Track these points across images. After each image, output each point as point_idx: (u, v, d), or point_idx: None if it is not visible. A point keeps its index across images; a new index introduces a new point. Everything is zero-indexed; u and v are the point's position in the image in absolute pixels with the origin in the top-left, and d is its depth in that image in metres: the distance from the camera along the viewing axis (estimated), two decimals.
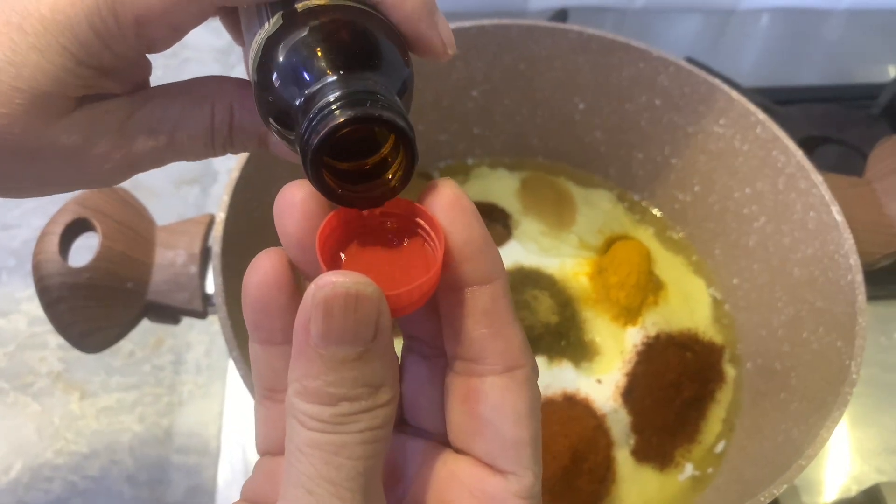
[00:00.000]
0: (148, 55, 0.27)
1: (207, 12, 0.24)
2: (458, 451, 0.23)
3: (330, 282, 0.19)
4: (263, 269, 0.22)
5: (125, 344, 0.68)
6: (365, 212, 0.22)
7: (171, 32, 0.24)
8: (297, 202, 0.21)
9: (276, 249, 0.22)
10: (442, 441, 0.24)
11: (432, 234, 0.21)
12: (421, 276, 0.21)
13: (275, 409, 0.24)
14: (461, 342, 0.22)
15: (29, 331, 0.68)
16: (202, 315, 0.43)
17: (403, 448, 0.24)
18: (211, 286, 0.44)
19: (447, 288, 0.22)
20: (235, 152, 0.28)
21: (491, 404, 0.22)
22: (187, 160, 0.28)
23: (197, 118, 0.27)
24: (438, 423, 0.24)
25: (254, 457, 0.60)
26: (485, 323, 0.22)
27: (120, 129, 0.26)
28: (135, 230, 0.44)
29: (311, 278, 0.20)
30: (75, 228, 0.43)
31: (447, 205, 0.22)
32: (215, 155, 0.28)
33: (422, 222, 0.22)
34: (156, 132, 0.26)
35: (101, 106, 0.25)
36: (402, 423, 0.25)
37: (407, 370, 0.25)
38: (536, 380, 0.22)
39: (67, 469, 0.61)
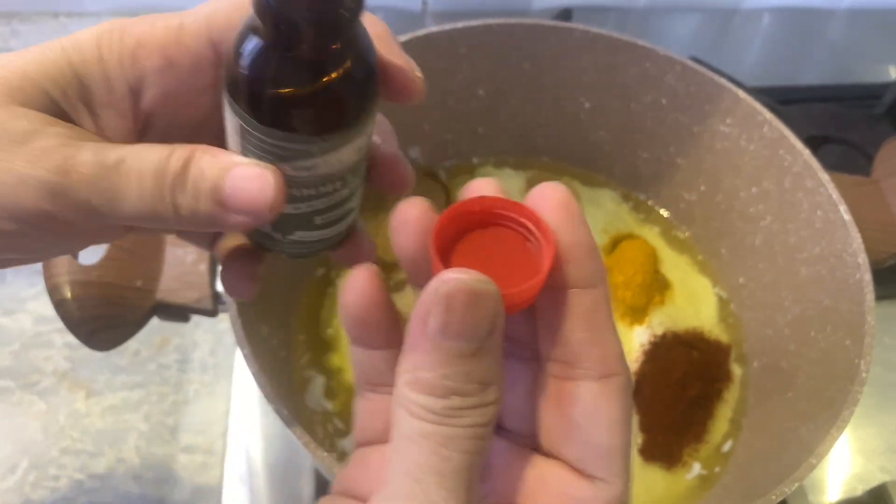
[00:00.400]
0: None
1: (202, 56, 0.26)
2: (546, 454, 0.23)
3: (453, 278, 0.20)
4: (359, 288, 0.23)
5: (131, 342, 0.68)
6: (474, 212, 0.22)
7: (164, 62, 0.25)
8: (410, 220, 0.23)
9: (368, 267, 0.24)
10: (529, 444, 0.24)
11: (539, 236, 0.22)
12: (530, 278, 0.21)
13: (376, 400, 0.25)
14: (558, 344, 0.22)
15: (34, 329, 0.68)
16: (212, 314, 0.43)
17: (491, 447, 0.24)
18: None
19: (549, 289, 0.22)
20: (184, 214, 0.25)
21: (585, 409, 0.22)
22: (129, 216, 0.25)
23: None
24: (527, 425, 0.24)
25: (259, 456, 0.60)
26: (584, 327, 0.22)
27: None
28: None
29: (421, 286, 0.21)
30: None
31: (556, 207, 0.22)
32: (164, 213, 0.25)
33: (529, 224, 0.22)
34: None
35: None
36: None
37: None
38: (631, 391, 0.22)
39: (73, 468, 0.61)
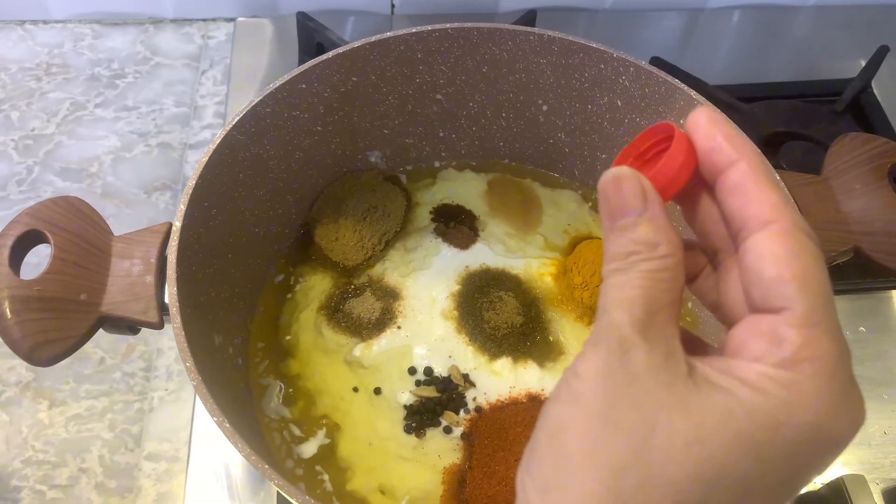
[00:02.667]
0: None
1: None
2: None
3: (603, 176, 0.26)
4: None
5: (95, 351, 0.68)
6: (643, 140, 0.29)
7: None
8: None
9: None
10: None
11: (675, 141, 0.27)
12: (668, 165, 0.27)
13: None
14: (730, 220, 0.26)
15: None
16: (158, 326, 0.43)
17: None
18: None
19: (710, 184, 0.27)
20: None
21: (754, 256, 0.25)
22: None
23: None
24: (725, 308, 0.28)
25: (223, 463, 0.60)
26: (737, 195, 0.25)
27: None
28: (89, 241, 0.43)
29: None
30: (27, 240, 0.42)
31: (693, 119, 0.27)
32: None
33: (671, 134, 0.28)
34: None
35: None
36: None
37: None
38: (799, 232, 0.25)
39: (35, 479, 0.61)
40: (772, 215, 0.25)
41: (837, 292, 0.56)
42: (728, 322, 0.27)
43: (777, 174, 0.51)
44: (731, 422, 0.23)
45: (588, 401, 0.24)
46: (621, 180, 0.26)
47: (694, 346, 0.28)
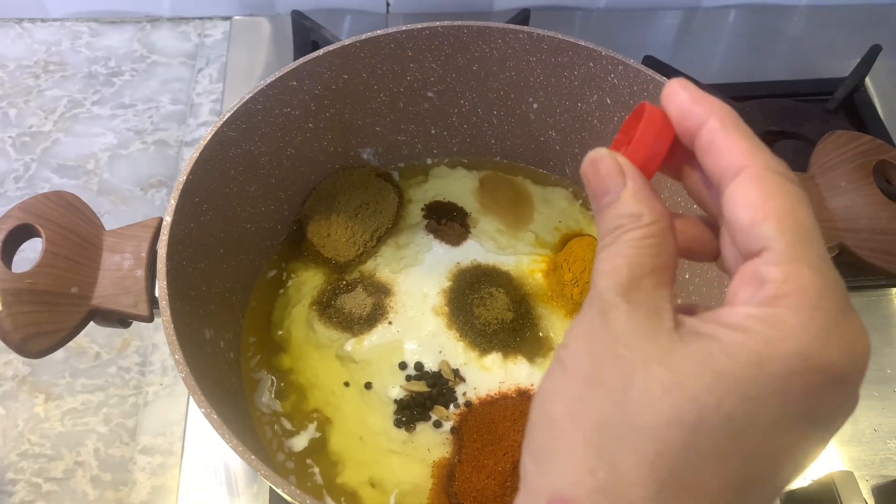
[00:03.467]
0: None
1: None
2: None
3: (582, 163, 0.28)
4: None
5: (91, 346, 0.69)
6: (631, 131, 0.30)
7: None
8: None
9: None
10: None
11: (644, 119, 0.28)
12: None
13: None
14: (711, 180, 0.26)
15: None
16: (148, 319, 0.44)
17: None
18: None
19: (690, 152, 0.27)
20: None
21: (731, 205, 0.25)
22: None
23: None
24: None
25: (217, 456, 0.60)
26: (711, 152, 0.26)
27: None
28: (80, 235, 0.44)
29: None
30: (19, 234, 0.43)
31: (668, 90, 0.27)
32: None
33: (646, 113, 0.28)
34: None
35: None
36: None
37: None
38: (776, 174, 0.25)
39: (31, 472, 0.61)
40: (742, 161, 0.25)
41: None
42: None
43: None
44: (710, 363, 0.23)
45: (572, 365, 0.25)
46: (597, 161, 0.27)
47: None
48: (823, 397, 0.23)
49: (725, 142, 0.25)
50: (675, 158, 0.29)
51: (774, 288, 0.23)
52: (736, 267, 0.26)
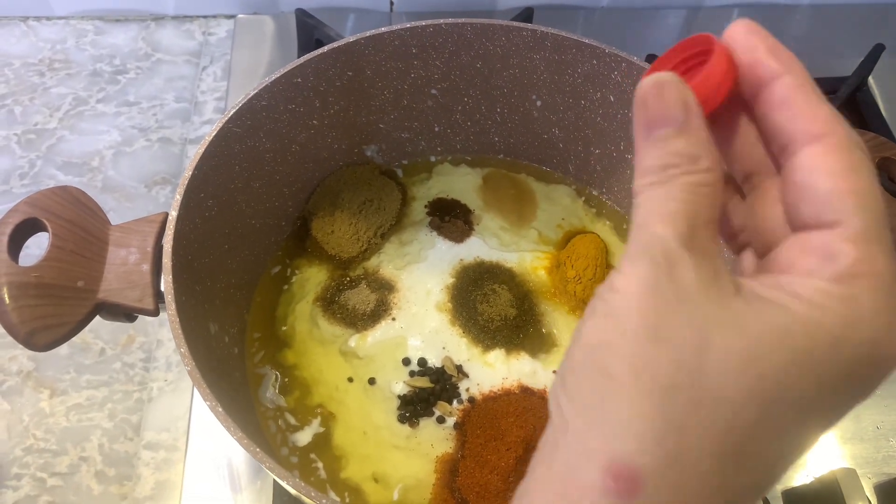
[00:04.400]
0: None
1: None
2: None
3: (643, 81, 0.25)
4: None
5: (96, 342, 0.69)
6: (682, 50, 0.27)
7: None
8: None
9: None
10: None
11: (715, 52, 0.26)
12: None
13: None
14: (773, 137, 0.25)
15: None
16: (154, 313, 0.44)
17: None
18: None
19: (748, 101, 0.26)
20: None
21: (806, 170, 0.23)
22: None
23: None
24: (768, 234, 0.26)
25: (221, 452, 0.60)
26: (784, 109, 0.24)
27: None
28: (86, 229, 0.44)
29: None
30: (25, 229, 0.43)
31: (738, 31, 0.26)
32: None
33: (717, 48, 0.26)
34: None
35: None
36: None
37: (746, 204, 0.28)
38: (853, 146, 0.23)
39: (36, 467, 0.62)
40: (824, 128, 0.23)
41: None
42: (762, 246, 0.26)
43: None
44: (787, 339, 0.22)
45: (632, 317, 0.23)
46: (663, 86, 0.24)
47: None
48: (873, 381, 0.23)
49: (805, 103, 0.24)
50: (724, 102, 0.27)
51: (847, 266, 0.22)
52: (777, 233, 0.25)
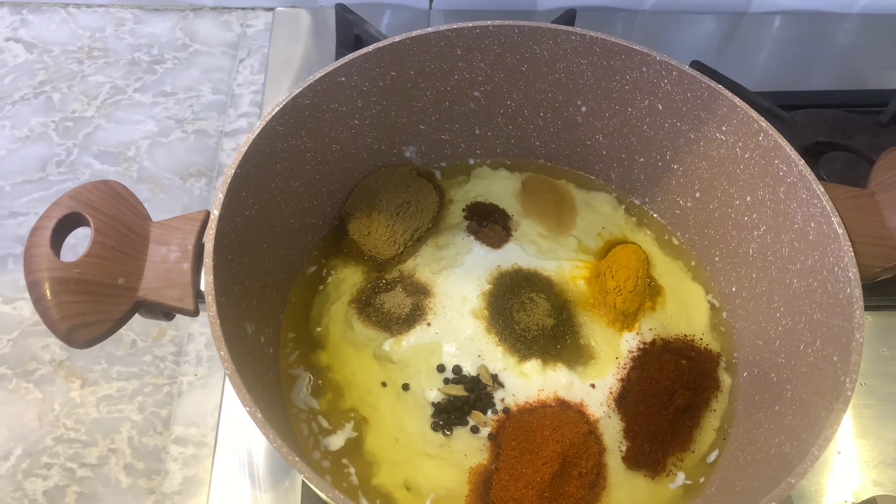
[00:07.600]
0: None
1: None
2: None
3: None
4: None
5: (127, 334, 0.69)
6: None
7: None
8: None
9: None
10: None
11: None
12: None
13: None
14: None
15: (33, 318, 0.69)
16: (193, 313, 0.43)
17: None
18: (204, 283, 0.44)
19: None
20: None
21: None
22: None
23: None
24: None
25: (250, 449, 0.60)
26: None
27: None
28: (128, 226, 0.44)
29: None
30: (68, 223, 0.43)
31: None
32: None
33: None
34: None
35: None
36: None
37: None
38: None
39: (66, 457, 0.62)
40: None
41: (873, 308, 0.55)
42: None
43: (821, 185, 0.50)
44: None
45: None
46: None
47: None
48: None
49: None
50: None
51: None
52: None
